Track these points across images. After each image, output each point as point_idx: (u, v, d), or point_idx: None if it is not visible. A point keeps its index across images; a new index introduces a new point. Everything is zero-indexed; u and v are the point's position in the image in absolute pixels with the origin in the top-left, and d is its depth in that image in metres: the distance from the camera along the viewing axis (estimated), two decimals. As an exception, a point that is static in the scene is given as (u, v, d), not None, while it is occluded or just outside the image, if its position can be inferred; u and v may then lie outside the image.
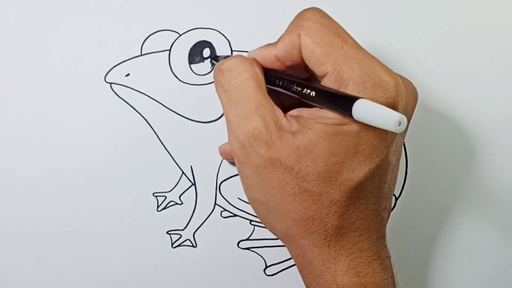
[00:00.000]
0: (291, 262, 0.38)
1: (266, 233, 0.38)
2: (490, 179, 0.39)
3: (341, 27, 0.29)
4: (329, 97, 0.27)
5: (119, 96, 0.37)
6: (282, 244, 0.39)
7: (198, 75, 0.37)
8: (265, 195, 0.29)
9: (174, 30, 0.37)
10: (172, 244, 0.38)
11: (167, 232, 0.38)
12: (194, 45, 0.37)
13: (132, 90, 0.37)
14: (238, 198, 0.38)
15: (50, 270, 0.37)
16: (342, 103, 0.26)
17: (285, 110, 0.31)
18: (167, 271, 0.38)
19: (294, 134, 0.28)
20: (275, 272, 0.38)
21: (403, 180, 0.39)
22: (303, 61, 0.30)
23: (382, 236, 0.31)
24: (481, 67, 0.39)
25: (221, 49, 0.37)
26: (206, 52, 0.37)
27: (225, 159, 0.37)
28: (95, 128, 0.37)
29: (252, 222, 0.38)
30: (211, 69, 0.37)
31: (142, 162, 0.37)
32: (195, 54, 0.37)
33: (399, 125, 0.24)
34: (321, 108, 0.28)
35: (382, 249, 0.31)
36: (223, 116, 0.37)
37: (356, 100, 0.25)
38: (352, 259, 0.29)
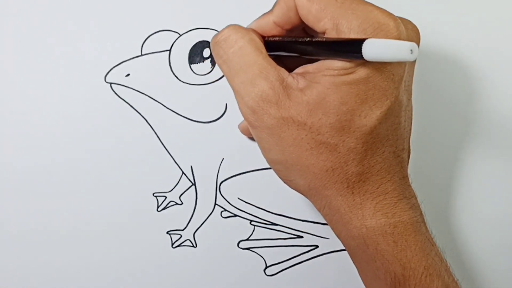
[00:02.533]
0: (291, 262, 0.38)
1: (266, 233, 0.38)
2: (491, 179, 0.39)
3: None
4: (336, 44, 0.28)
5: (119, 96, 0.37)
6: (282, 244, 0.39)
7: (198, 75, 0.37)
8: (282, 154, 0.30)
9: (174, 30, 0.37)
10: (172, 244, 0.38)
11: (167, 232, 0.38)
12: (194, 45, 0.37)
13: (132, 90, 0.37)
14: (238, 198, 0.38)
15: (49, 270, 0.37)
16: (351, 47, 0.26)
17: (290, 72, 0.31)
18: (167, 271, 0.38)
19: (302, 91, 0.29)
20: (275, 272, 0.38)
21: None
22: (301, 23, 0.30)
23: (405, 177, 0.31)
24: (482, 65, 0.39)
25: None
26: (206, 52, 0.37)
27: (245, 135, 0.37)
28: (95, 128, 0.37)
29: (252, 222, 0.38)
30: (211, 69, 0.37)
31: (142, 162, 0.37)
32: (195, 54, 0.37)
33: (411, 53, 0.25)
34: (325, 59, 0.28)
35: (406, 189, 0.31)
36: (223, 116, 0.37)
37: (364, 41, 0.26)
38: (378, 202, 0.30)
